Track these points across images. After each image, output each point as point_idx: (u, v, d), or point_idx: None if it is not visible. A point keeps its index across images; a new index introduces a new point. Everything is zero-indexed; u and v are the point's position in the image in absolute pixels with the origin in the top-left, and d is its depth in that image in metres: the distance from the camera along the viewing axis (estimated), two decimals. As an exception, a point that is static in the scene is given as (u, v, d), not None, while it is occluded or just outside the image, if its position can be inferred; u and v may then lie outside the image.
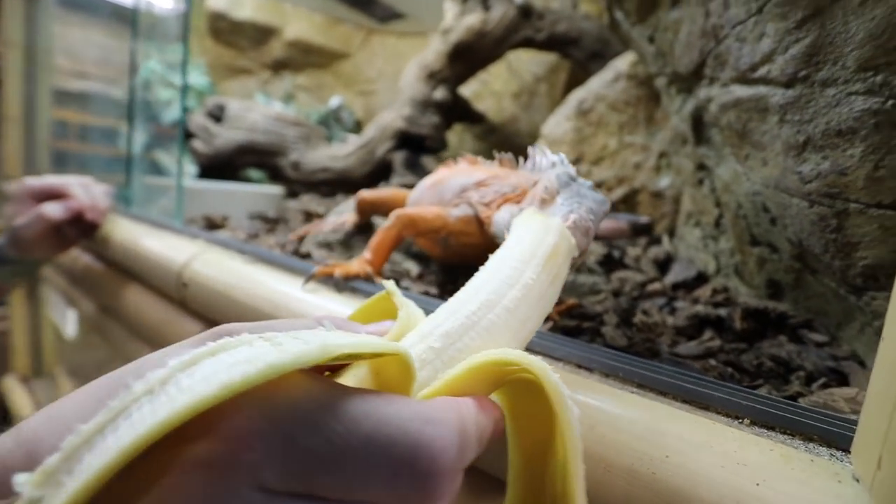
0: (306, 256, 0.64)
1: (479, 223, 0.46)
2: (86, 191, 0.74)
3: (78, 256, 0.89)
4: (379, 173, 1.44)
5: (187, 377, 0.13)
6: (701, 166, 0.61)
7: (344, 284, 0.44)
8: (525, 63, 1.59)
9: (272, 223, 0.98)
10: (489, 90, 1.67)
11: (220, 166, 1.53)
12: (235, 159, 1.52)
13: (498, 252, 0.25)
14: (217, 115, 1.54)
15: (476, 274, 0.24)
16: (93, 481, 0.12)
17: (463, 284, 0.23)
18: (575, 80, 1.62)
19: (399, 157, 1.36)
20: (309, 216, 1.05)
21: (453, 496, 0.15)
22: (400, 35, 2.13)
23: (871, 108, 0.32)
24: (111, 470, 0.12)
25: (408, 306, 0.24)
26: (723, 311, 0.47)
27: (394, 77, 2.15)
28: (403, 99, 1.33)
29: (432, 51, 1.25)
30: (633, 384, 0.28)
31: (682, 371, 0.28)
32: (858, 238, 0.34)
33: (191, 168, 1.48)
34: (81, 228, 0.75)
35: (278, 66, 2.13)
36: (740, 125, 0.43)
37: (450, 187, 0.54)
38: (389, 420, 0.14)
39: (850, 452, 0.21)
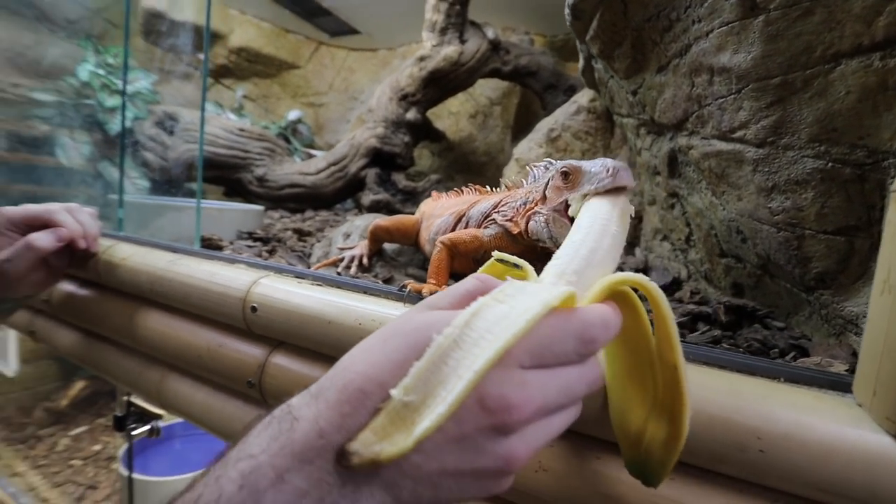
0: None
1: (510, 236, 0.56)
2: (73, 216, 0.70)
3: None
4: (350, 189, 1.48)
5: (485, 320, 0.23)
6: (672, 194, 0.77)
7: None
8: (480, 87, 1.73)
9: (266, 242, 0.99)
10: (447, 110, 1.77)
11: (173, 181, 1.45)
12: (191, 173, 1.45)
13: (583, 218, 0.35)
14: (168, 127, 1.45)
15: (572, 232, 0.34)
16: (470, 384, 0.21)
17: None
18: (525, 105, 1.80)
19: (372, 174, 1.41)
20: (302, 235, 1.06)
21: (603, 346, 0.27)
22: (350, 50, 2.16)
23: (818, 168, 0.47)
24: (480, 374, 0.21)
25: (523, 263, 0.33)
26: (707, 308, 0.61)
27: (344, 90, 2.18)
28: (376, 118, 1.39)
29: (406, 75, 1.32)
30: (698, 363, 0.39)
31: (730, 352, 0.41)
32: (812, 254, 0.49)
33: (141, 183, 1.38)
34: (72, 258, 0.72)
35: (220, 74, 2.05)
36: (720, 170, 0.58)
37: (473, 215, 0.64)
38: (576, 317, 0.26)
39: (846, 393, 0.35)
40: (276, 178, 1.46)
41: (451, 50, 1.19)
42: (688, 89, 0.60)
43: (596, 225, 0.33)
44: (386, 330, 0.27)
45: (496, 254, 0.34)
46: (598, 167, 0.39)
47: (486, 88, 1.73)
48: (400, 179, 1.47)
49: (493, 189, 0.70)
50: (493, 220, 0.58)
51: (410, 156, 1.51)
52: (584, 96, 1.15)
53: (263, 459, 0.23)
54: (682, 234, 0.76)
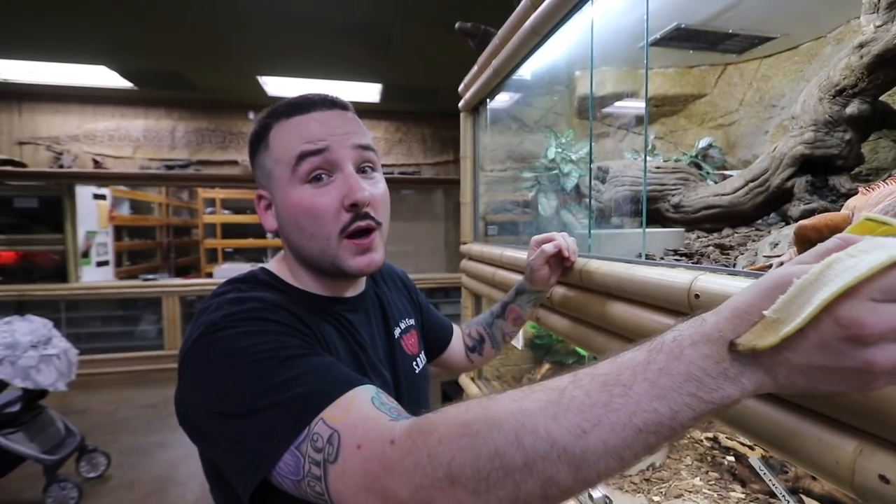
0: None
1: None
2: (563, 239, 1.14)
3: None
4: (773, 203, 1.43)
5: (836, 269, 0.31)
6: None
7: None
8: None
9: (690, 256, 1.17)
10: (919, 83, 1.38)
11: (604, 217, 1.89)
12: (620, 209, 1.84)
13: None
14: (601, 178, 1.92)
15: None
16: (817, 308, 0.31)
17: None
18: None
19: (801, 183, 1.32)
20: (723, 249, 1.19)
21: None
22: (762, 59, 2.04)
23: None
24: (826, 302, 0.30)
25: (893, 221, 0.36)
26: None
27: (758, 101, 2.07)
28: (802, 124, 1.31)
29: (840, 68, 1.20)
30: None
31: None
32: None
33: (585, 221, 1.89)
34: (562, 267, 1.15)
35: (634, 124, 2.43)
36: None
37: None
38: None
39: None
40: (690, 203, 1.62)
41: (908, 22, 1.00)
42: None
43: None
44: (762, 278, 0.38)
45: (865, 214, 0.38)
46: None
47: None
48: (842, 183, 1.29)
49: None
50: None
51: (856, 153, 1.30)
52: None
53: (686, 333, 0.38)
54: None
